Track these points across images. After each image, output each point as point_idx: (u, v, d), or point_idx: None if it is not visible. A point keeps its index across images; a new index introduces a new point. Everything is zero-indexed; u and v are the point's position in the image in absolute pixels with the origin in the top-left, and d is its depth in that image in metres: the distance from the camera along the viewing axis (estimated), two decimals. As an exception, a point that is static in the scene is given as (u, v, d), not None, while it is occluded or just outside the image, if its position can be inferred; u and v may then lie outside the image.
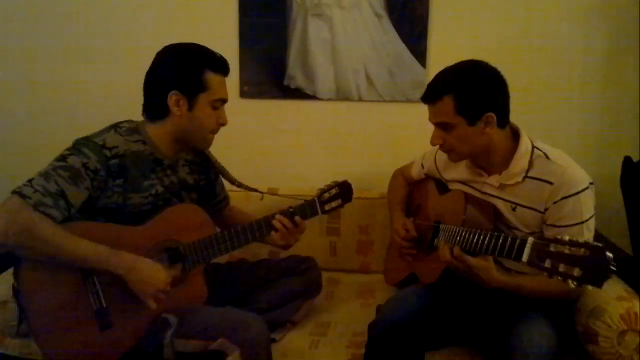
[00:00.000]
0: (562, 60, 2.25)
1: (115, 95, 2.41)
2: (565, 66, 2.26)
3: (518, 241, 1.31)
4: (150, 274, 1.48)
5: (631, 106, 2.24)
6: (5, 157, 2.52)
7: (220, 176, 1.86)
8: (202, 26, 2.34)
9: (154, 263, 1.51)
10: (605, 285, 1.46)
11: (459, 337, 1.69)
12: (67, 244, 1.40)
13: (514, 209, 1.59)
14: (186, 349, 1.51)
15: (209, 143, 1.69)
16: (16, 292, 1.48)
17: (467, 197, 1.64)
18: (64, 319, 1.45)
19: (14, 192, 1.40)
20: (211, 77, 1.59)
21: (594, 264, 1.15)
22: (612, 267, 1.14)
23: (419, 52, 2.28)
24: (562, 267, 1.19)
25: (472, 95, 1.51)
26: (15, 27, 2.43)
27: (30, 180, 1.42)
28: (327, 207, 1.80)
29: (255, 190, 1.83)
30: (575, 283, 1.17)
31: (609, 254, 1.14)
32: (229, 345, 1.48)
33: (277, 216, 1.70)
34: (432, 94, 1.57)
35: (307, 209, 1.76)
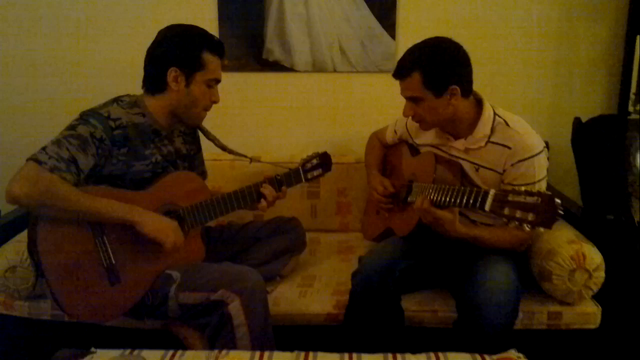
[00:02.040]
0: (520, 30, 2.42)
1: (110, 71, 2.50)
2: (522, 36, 2.43)
3: (482, 193, 1.47)
4: (161, 221, 1.63)
5: (581, 72, 2.44)
6: (7, 129, 2.60)
7: (201, 152, 2.00)
8: (183, 3, 2.43)
9: (160, 215, 1.66)
10: (557, 231, 1.67)
11: (431, 281, 1.88)
12: (85, 201, 1.53)
13: (477, 170, 1.76)
14: (189, 301, 1.65)
15: (201, 119, 1.82)
16: (31, 253, 1.60)
17: (437, 158, 1.81)
18: (77, 275, 1.57)
19: (30, 159, 1.50)
20: (208, 58, 1.70)
21: (544, 209, 1.31)
22: (560, 211, 1.30)
23: (389, 25, 2.43)
24: (518, 214, 1.36)
25: (437, 71, 1.66)
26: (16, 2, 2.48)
27: (44, 148, 1.53)
28: (309, 176, 1.97)
29: (244, 156, 1.96)
30: (529, 226, 1.33)
31: (557, 200, 1.31)
32: (229, 294, 1.62)
33: (265, 185, 1.85)
34: (401, 71, 1.71)
35: (292, 177, 1.92)
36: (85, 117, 1.62)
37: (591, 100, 2.44)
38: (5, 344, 1.93)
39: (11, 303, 1.89)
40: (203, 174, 2.04)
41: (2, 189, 1.50)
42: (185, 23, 1.75)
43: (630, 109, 2.32)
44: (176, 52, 1.68)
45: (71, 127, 1.59)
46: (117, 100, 1.71)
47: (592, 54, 2.41)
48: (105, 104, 1.68)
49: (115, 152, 1.64)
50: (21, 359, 1.89)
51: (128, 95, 1.75)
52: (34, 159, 1.50)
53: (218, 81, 1.77)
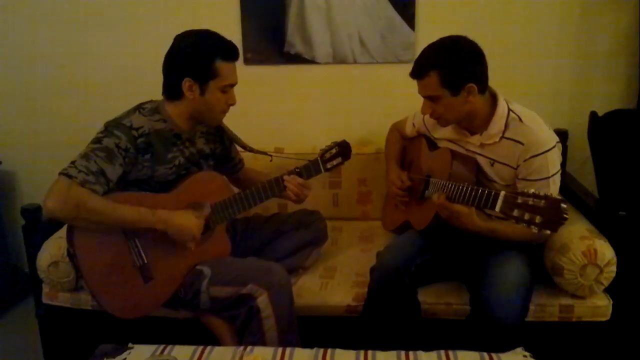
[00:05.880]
0: (540, 20, 2.40)
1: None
2: (542, 27, 2.41)
3: (493, 194, 1.53)
4: (184, 223, 1.73)
5: (600, 65, 2.42)
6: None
7: (233, 144, 2.07)
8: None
9: (185, 212, 1.75)
10: (570, 225, 1.70)
11: (447, 274, 1.95)
12: (114, 212, 1.64)
13: (492, 165, 1.80)
14: (220, 294, 1.77)
15: (219, 121, 1.89)
16: (71, 257, 1.74)
17: (454, 154, 1.86)
18: (113, 275, 1.71)
19: (61, 173, 1.61)
20: (221, 65, 1.74)
21: (551, 213, 1.37)
22: (565, 216, 1.36)
23: (408, 15, 2.43)
24: (526, 216, 1.42)
25: (453, 70, 1.69)
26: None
27: (73, 162, 1.63)
28: (329, 165, 2.01)
29: (265, 153, 2.03)
30: (536, 229, 1.39)
31: (564, 205, 1.36)
32: (258, 289, 1.73)
33: (285, 177, 1.92)
34: (418, 71, 1.74)
35: (311, 168, 1.98)
36: (109, 128, 1.70)
37: (611, 90, 2.42)
38: (51, 331, 2.09)
39: (55, 294, 2.03)
40: (240, 162, 2.13)
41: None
42: (200, 28, 1.78)
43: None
44: (189, 63, 1.72)
45: (97, 141, 1.68)
46: (139, 108, 1.79)
47: (612, 45, 2.39)
48: (128, 113, 1.76)
49: (140, 159, 1.73)
50: (65, 348, 2.04)
51: (150, 101, 1.83)
52: (64, 173, 1.60)
53: (233, 85, 1.81)
